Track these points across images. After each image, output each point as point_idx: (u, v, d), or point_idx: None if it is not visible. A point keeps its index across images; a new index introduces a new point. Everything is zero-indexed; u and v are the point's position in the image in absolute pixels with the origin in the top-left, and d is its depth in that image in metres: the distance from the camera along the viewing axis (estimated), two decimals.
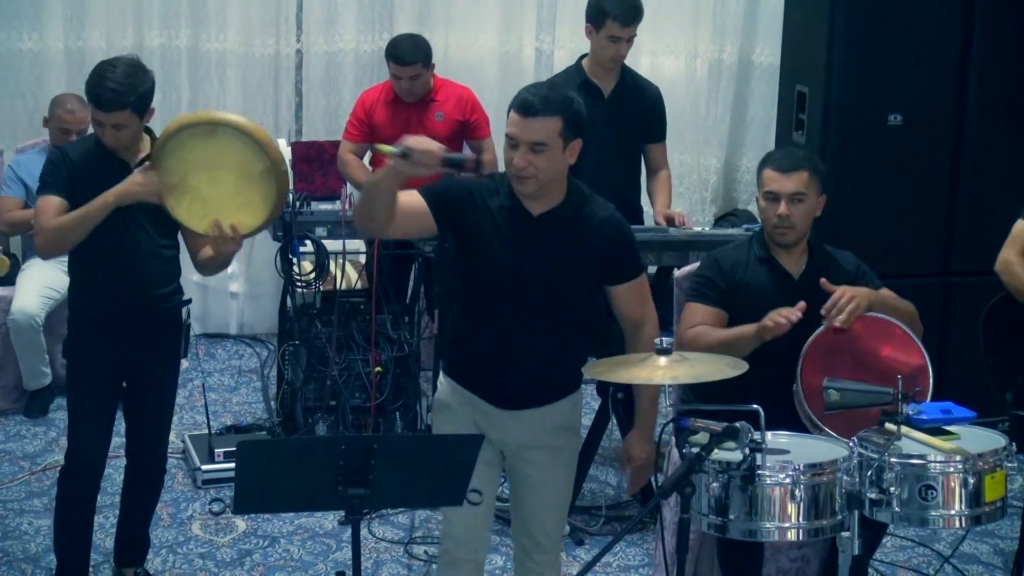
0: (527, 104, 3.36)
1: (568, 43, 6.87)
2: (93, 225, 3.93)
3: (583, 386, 6.31)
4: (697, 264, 4.33)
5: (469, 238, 3.45)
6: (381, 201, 3.31)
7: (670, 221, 5.08)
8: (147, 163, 3.94)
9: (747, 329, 3.94)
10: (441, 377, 3.65)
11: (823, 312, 3.91)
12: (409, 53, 5.60)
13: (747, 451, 3.37)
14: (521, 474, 3.60)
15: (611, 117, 5.24)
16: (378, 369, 5.34)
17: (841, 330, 3.90)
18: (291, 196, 5.22)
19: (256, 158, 3.89)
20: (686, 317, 4.11)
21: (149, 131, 4.08)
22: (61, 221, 3.94)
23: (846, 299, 3.90)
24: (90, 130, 4.12)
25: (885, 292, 4.10)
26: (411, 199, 3.40)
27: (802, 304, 3.89)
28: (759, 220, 4.24)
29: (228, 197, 3.91)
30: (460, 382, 3.56)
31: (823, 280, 3.98)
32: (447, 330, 3.67)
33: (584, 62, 5.29)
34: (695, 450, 3.34)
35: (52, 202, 3.96)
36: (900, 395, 3.57)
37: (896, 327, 3.97)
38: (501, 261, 3.43)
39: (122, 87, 3.89)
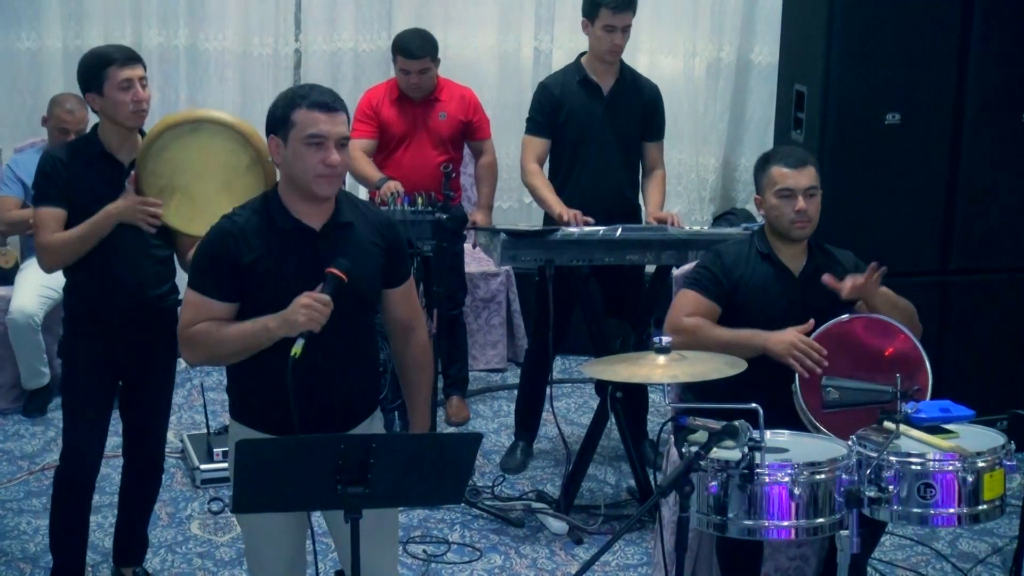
0: (326, 102, 3.22)
1: (567, 42, 6.87)
2: (96, 241, 3.96)
3: (583, 385, 6.37)
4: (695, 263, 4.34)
5: (253, 278, 3.24)
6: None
7: (662, 223, 5.08)
8: (133, 171, 3.94)
9: (754, 339, 3.95)
10: (232, 424, 3.45)
11: (843, 286, 3.96)
12: (419, 47, 5.60)
13: (746, 450, 3.37)
14: (338, 517, 3.19)
15: (611, 115, 5.24)
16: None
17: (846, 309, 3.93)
18: None
19: (241, 151, 3.89)
20: (681, 303, 4.11)
21: (141, 131, 4.08)
22: (64, 238, 3.96)
23: (853, 277, 3.98)
24: (87, 130, 4.14)
25: (884, 291, 4.11)
26: (211, 310, 3.24)
27: (811, 322, 3.93)
28: (759, 219, 4.25)
29: (216, 193, 3.89)
30: (260, 427, 3.33)
31: (826, 276, 3.99)
32: (235, 374, 3.40)
33: (583, 60, 5.30)
34: (694, 449, 3.34)
35: (50, 215, 3.98)
36: (899, 393, 3.58)
37: (894, 326, 3.98)
38: (295, 285, 3.21)
39: (133, 50, 4.10)
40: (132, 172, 3.93)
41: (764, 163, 4.16)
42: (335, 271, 3.20)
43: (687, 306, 4.09)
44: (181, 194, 3.93)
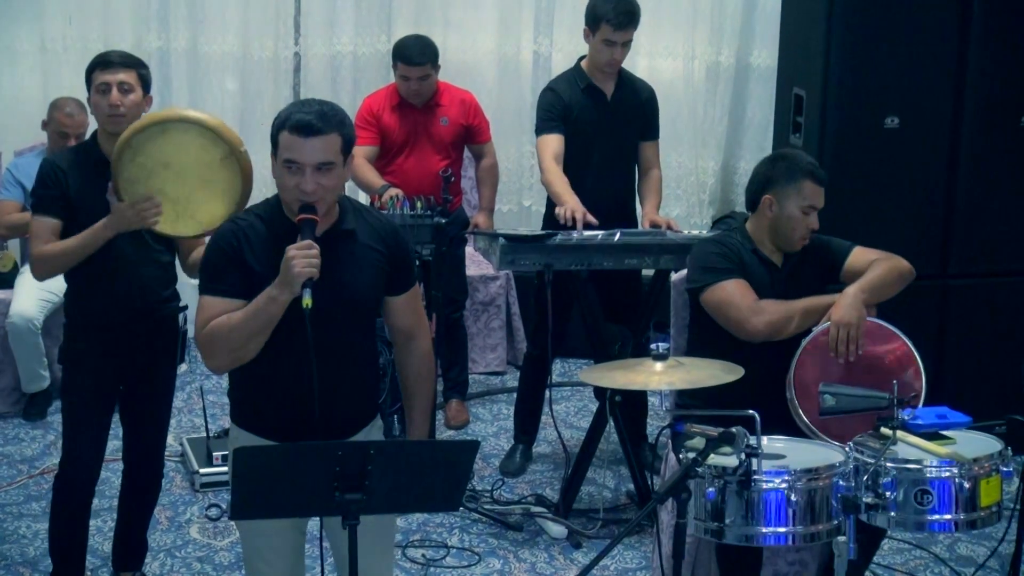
0: (306, 124, 3.14)
1: (566, 45, 6.87)
2: (87, 254, 3.95)
3: (582, 389, 6.37)
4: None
5: (255, 280, 3.22)
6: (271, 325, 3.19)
7: (655, 227, 5.07)
8: (111, 182, 3.91)
9: (824, 299, 4.02)
10: (233, 428, 3.46)
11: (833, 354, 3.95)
12: (419, 53, 5.59)
13: (743, 456, 3.37)
14: (335, 523, 3.20)
15: (613, 120, 5.24)
16: None
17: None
18: None
19: (212, 145, 3.87)
20: (733, 297, 4.01)
21: None
22: (57, 250, 3.96)
23: (842, 334, 3.93)
24: (88, 134, 4.14)
25: (861, 265, 4.13)
26: (225, 306, 3.22)
27: None
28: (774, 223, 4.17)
29: (195, 190, 3.89)
30: (260, 432, 3.34)
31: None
32: (237, 379, 3.42)
33: (583, 64, 5.29)
34: (691, 455, 3.34)
35: (45, 226, 3.98)
36: (896, 399, 3.58)
37: (887, 329, 3.97)
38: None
39: (128, 55, 4.08)
40: (110, 183, 3.91)
41: (796, 171, 4.08)
42: (305, 216, 3.19)
43: (742, 295, 4.02)
44: (161, 197, 3.91)
